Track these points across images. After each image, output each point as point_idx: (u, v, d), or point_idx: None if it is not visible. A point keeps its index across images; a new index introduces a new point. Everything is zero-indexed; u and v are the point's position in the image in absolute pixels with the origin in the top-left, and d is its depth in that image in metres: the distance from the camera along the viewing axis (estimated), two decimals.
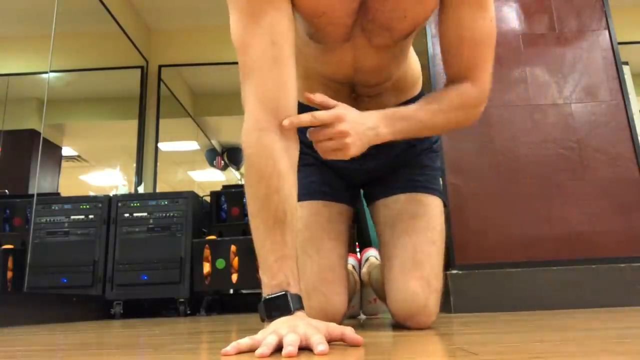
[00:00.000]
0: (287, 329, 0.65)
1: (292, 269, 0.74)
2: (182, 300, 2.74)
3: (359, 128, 0.84)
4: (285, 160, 0.78)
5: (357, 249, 2.00)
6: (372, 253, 1.71)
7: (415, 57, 1.17)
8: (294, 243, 0.76)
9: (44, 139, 3.19)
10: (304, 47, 1.00)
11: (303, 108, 1.16)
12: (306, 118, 0.82)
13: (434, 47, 2.05)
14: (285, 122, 0.79)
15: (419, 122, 0.92)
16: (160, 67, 4.22)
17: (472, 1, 0.90)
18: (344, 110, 0.84)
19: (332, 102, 0.85)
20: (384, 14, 0.88)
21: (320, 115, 0.83)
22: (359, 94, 1.08)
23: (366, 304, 1.66)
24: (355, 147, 0.84)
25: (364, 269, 1.61)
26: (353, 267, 1.63)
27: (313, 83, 1.10)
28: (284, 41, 0.80)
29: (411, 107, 0.93)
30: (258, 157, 0.77)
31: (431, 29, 2.06)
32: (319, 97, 0.85)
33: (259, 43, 0.79)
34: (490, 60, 0.96)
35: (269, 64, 0.79)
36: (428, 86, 1.33)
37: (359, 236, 2.35)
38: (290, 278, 0.73)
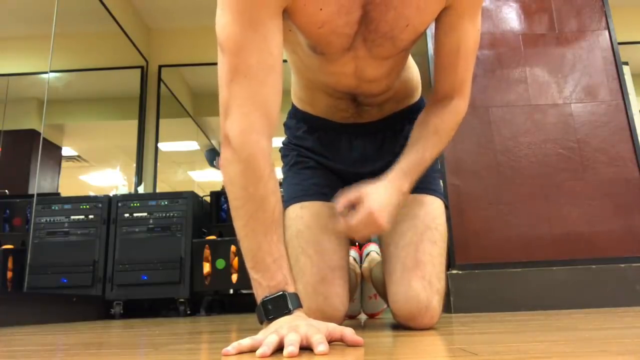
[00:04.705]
0: (288, 329, 0.65)
1: (288, 268, 0.75)
2: (182, 300, 2.74)
3: (385, 204, 0.90)
4: (272, 164, 0.81)
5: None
6: (373, 248, 1.70)
7: (413, 64, 1.18)
8: (284, 242, 0.79)
9: (44, 139, 3.19)
10: (306, 59, 1.00)
11: (304, 116, 1.17)
12: (344, 226, 0.91)
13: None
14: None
15: (428, 160, 0.98)
16: (160, 67, 4.22)
17: (469, 12, 0.93)
18: (369, 200, 0.89)
19: (353, 197, 0.91)
20: (386, 24, 0.88)
21: (355, 222, 0.89)
22: (361, 104, 1.09)
23: (366, 299, 1.66)
24: (389, 222, 0.91)
25: (365, 264, 1.61)
26: (354, 259, 1.63)
27: (317, 93, 1.10)
28: (278, 53, 0.82)
29: (418, 151, 0.98)
30: (257, 159, 0.78)
31: (431, 31, 2.06)
32: (341, 205, 0.92)
33: (256, 49, 0.79)
34: (473, 68, 1.03)
35: (266, 72, 0.79)
36: (428, 87, 1.34)
37: None
38: (288, 277, 0.74)
